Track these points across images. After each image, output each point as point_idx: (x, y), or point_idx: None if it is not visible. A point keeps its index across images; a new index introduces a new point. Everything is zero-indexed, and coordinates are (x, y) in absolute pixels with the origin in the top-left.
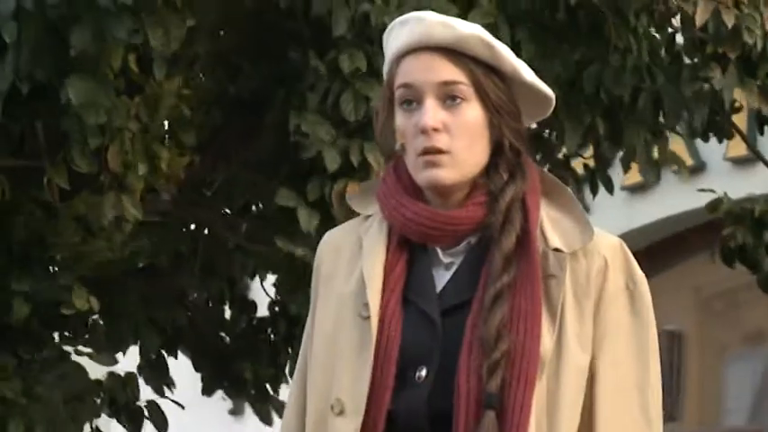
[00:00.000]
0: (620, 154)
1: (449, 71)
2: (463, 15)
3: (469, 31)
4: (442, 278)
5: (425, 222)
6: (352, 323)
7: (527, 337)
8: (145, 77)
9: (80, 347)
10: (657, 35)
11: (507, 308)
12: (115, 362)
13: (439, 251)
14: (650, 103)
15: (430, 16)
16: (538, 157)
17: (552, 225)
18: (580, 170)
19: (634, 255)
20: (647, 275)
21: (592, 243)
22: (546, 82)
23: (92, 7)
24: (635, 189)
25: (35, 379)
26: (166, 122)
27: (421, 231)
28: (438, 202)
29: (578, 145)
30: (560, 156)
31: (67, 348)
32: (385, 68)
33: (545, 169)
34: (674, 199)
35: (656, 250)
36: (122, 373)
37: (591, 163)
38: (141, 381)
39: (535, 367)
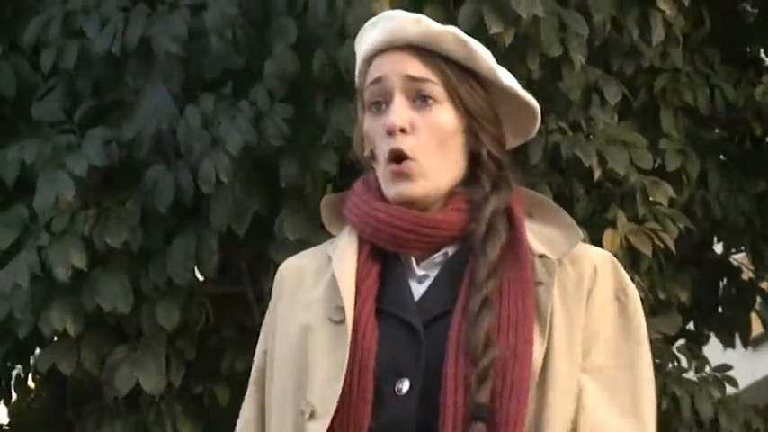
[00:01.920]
0: None
1: (418, 68)
2: (652, 147)
3: (442, 28)
4: (417, 290)
5: (400, 224)
6: (323, 327)
7: (519, 343)
8: None
9: None
10: None
11: (495, 315)
12: None
13: (413, 263)
14: None
15: (401, 14)
16: (723, 281)
17: (535, 235)
18: None
19: None
20: None
21: (580, 252)
22: (731, 215)
23: (297, 141)
24: None
25: None
26: None
27: (395, 236)
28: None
29: None
30: (747, 278)
31: None
32: (357, 74)
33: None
34: None
35: None
36: None
37: None
38: None
39: (528, 374)
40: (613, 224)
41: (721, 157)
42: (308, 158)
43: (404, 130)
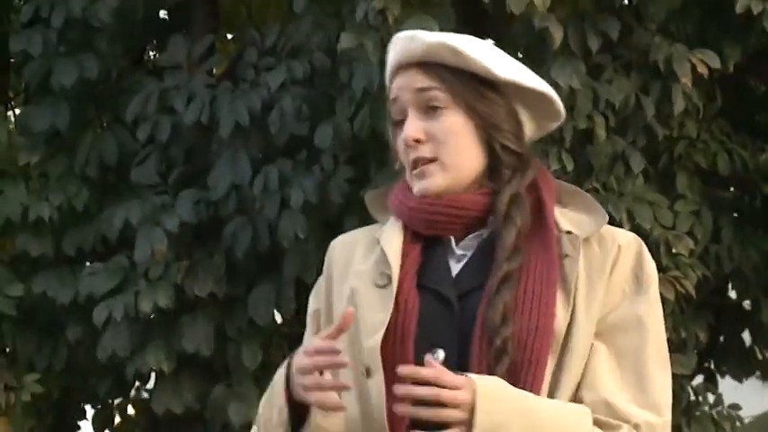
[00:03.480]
0: None
1: (423, 80)
2: (671, 207)
3: (435, 40)
4: (454, 268)
5: (428, 209)
6: (368, 290)
7: (540, 316)
8: None
9: None
10: None
11: (516, 292)
12: None
13: (452, 242)
14: None
15: (404, 34)
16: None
17: (564, 216)
18: None
19: None
20: None
21: (609, 234)
22: (745, 268)
23: (358, 199)
24: None
25: None
26: None
27: (425, 219)
28: None
29: None
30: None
31: None
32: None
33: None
34: None
35: None
36: None
37: None
38: None
39: (548, 348)
40: None
41: (734, 214)
42: (368, 216)
43: (419, 140)
